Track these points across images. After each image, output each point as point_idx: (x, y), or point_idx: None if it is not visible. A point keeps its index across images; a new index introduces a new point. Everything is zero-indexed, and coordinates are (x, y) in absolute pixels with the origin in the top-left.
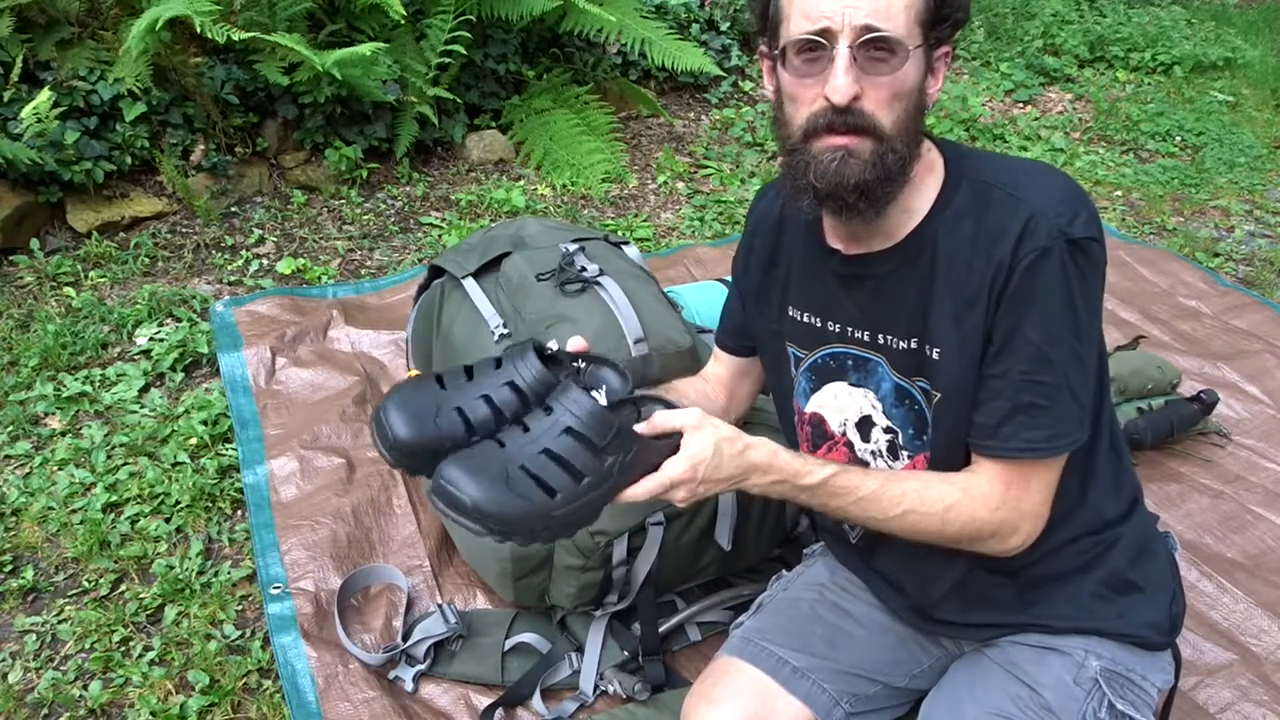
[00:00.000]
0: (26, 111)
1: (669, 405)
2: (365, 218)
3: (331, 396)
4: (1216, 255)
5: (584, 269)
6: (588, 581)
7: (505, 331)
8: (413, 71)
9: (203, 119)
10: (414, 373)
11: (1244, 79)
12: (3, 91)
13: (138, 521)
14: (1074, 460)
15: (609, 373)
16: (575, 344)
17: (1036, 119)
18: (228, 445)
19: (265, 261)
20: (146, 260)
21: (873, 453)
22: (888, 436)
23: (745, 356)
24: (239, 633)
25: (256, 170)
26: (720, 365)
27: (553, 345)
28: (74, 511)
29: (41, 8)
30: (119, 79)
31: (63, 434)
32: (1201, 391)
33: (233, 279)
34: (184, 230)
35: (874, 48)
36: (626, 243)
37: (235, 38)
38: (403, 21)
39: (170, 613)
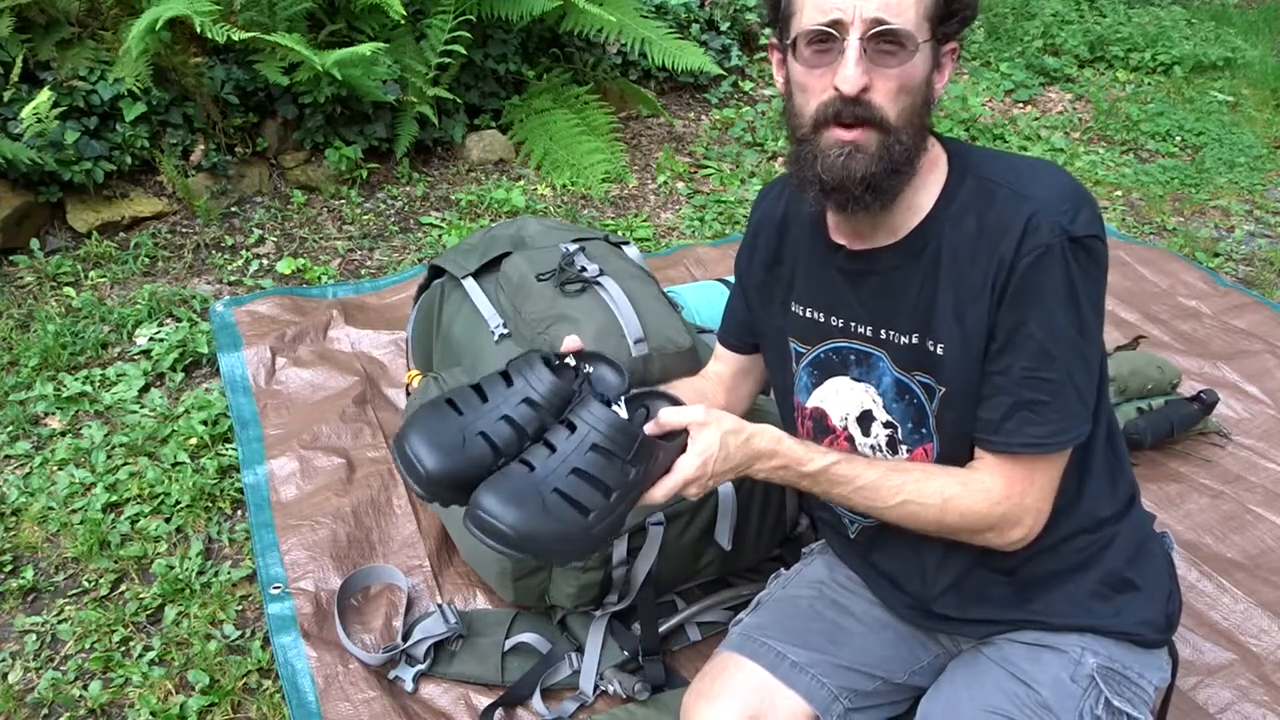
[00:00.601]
0: (26, 111)
1: (674, 401)
2: (365, 218)
3: (331, 396)
4: (1216, 255)
5: (584, 269)
6: (588, 581)
7: (505, 331)
8: (413, 71)
9: (203, 119)
10: (414, 374)
11: (1244, 79)
12: (3, 91)
13: (138, 521)
14: (1072, 456)
15: (606, 370)
16: (569, 343)
17: (1036, 119)
18: (228, 445)
19: (265, 261)
20: (146, 260)
21: (873, 447)
22: (887, 431)
23: (748, 354)
24: (239, 633)
25: (256, 170)
26: (722, 364)
27: (565, 343)
28: (74, 511)
29: (41, 8)
30: (119, 79)
31: (63, 434)
32: (1201, 391)
33: (233, 279)
34: (184, 230)
35: (884, 40)
36: (626, 243)
37: (235, 38)
38: (403, 21)
39: (170, 613)
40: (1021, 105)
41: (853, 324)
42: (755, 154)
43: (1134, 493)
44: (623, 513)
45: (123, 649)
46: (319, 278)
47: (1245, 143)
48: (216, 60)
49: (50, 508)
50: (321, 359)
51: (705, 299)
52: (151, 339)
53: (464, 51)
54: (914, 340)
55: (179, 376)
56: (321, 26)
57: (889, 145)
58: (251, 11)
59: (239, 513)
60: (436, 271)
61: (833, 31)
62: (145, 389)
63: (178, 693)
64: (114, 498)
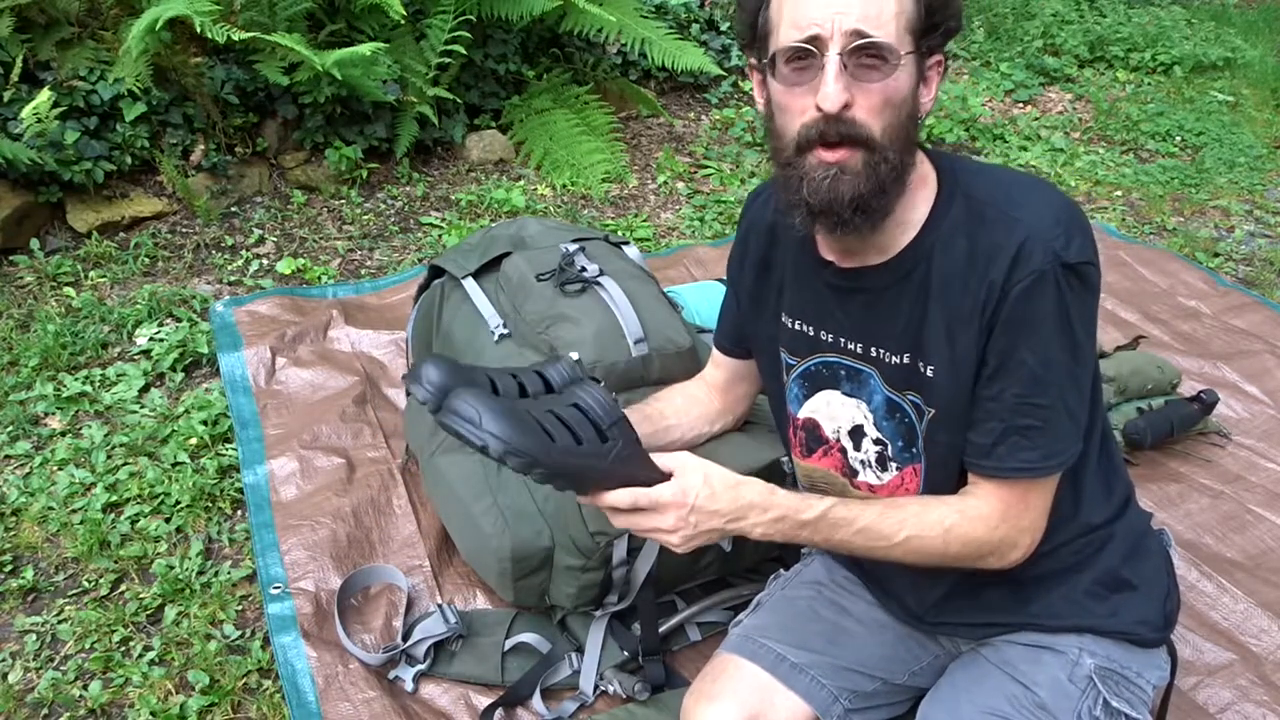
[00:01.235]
0: (26, 111)
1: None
2: (365, 218)
3: (331, 396)
4: (1216, 255)
5: (584, 269)
6: (588, 582)
7: (505, 331)
8: (413, 71)
9: (203, 119)
10: None
11: (1244, 79)
12: (3, 91)
13: (138, 521)
14: (1066, 472)
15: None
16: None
17: (1036, 119)
18: (228, 445)
19: (265, 261)
20: (146, 260)
21: (862, 462)
22: (877, 448)
23: (743, 359)
24: (239, 633)
25: (256, 170)
26: (718, 369)
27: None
28: (74, 511)
29: (41, 8)
30: (119, 79)
31: (63, 434)
32: (1201, 391)
33: (233, 279)
34: (184, 230)
35: (864, 55)
36: (626, 243)
37: (235, 38)
38: (403, 21)
39: (170, 613)
40: (1021, 105)
41: (842, 339)
42: (755, 154)
43: (1129, 493)
44: (583, 468)
45: (123, 649)
46: (319, 278)
47: (1245, 143)
48: (216, 60)
49: (50, 508)
50: (321, 359)
51: (705, 299)
52: (151, 339)
53: (464, 51)
54: (905, 360)
55: (179, 376)
56: (321, 26)
57: (875, 164)
58: (251, 11)
59: (239, 513)
60: (436, 271)
61: (811, 48)
62: (145, 389)
63: (178, 693)
64: (114, 498)
